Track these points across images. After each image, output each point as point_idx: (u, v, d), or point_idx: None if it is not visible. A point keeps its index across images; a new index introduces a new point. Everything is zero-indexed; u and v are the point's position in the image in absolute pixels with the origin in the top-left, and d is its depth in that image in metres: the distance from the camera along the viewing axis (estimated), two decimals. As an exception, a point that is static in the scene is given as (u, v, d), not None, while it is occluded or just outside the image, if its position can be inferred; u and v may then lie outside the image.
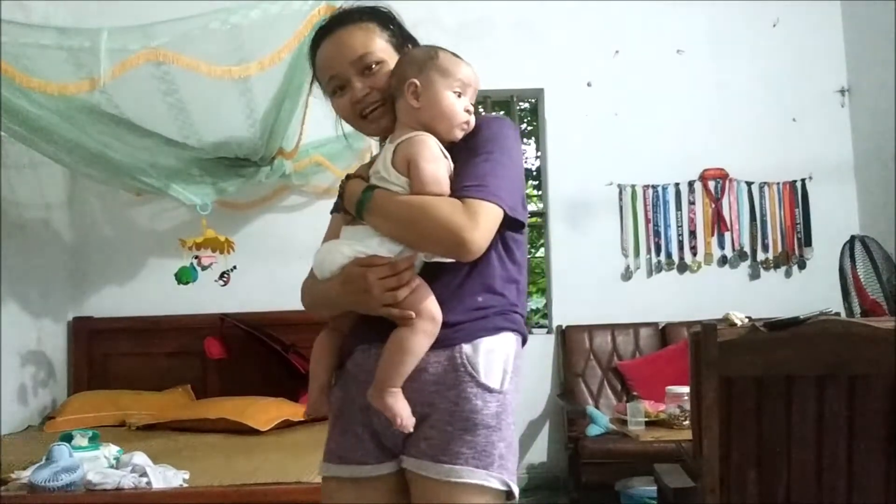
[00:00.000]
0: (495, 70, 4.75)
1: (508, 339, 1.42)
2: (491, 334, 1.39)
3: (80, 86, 2.81)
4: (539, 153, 5.40)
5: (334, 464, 1.46)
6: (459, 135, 1.44)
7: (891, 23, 4.30)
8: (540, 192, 5.77)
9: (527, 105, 6.22)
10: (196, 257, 3.80)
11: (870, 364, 1.76)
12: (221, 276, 3.90)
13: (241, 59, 2.94)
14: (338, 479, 1.46)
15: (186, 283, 3.83)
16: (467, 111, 1.44)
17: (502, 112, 7.18)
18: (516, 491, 1.38)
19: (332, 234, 1.52)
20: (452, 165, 1.41)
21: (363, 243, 1.39)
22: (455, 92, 1.43)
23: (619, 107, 4.76)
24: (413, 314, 1.34)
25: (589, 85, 4.79)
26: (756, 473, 1.85)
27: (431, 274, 1.39)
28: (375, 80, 1.47)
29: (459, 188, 1.36)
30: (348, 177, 1.49)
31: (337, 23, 1.50)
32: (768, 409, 1.84)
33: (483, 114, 1.51)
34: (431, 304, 1.35)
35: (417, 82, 1.42)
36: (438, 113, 1.42)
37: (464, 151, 1.42)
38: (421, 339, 1.34)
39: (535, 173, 7.30)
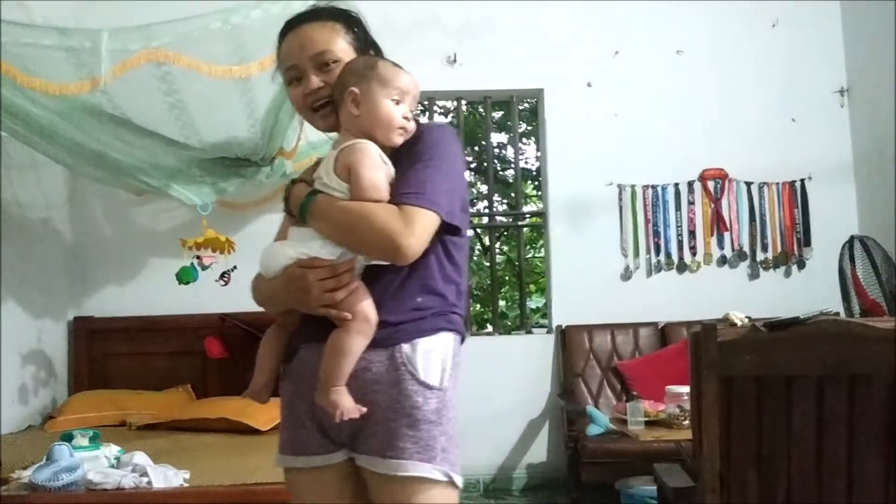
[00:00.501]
0: (496, 70, 4.77)
1: (447, 339, 1.49)
2: (429, 334, 1.46)
3: (80, 86, 2.82)
4: (539, 153, 5.40)
5: (289, 455, 1.54)
6: (398, 140, 1.50)
7: (890, 23, 4.30)
8: (540, 192, 5.78)
9: (527, 105, 6.23)
10: (197, 257, 3.80)
11: (869, 364, 1.77)
12: (222, 275, 3.90)
13: (241, 59, 2.95)
14: (293, 469, 1.54)
15: (187, 282, 3.83)
16: (405, 117, 1.49)
17: (501, 112, 7.21)
18: (459, 482, 1.46)
19: (283, 232, 1.60)
20: (393, 172, 1.47)
21: (306, 245, 1.46)
22: (393, 100, 1.49)
23: (618, 107, 4.76)
24: (349, 315, 1.41)
25: (589, 85, 4.79)
26: (756, 473, 1.86)
27: (373, 275, 1.47)
28: (330, 76, 1.54)
29: (398, 195, 1.42)
30: (293, 181, 1.56)
31: (306, 17, 1.58)
32: (768, 409, 1.84)
33: (426, 121, 1.57)
34: (366, 306, 1.43)
35: (357, 91, 1.49)
36: (377, 120, 1.48)
37: (405, 158, 1.48)
38: (356, 339, 1.42)
39: (534, 173, 7.32)
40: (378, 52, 1.63)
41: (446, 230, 1.47)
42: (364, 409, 1.41)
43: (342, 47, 1.55)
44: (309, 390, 1.45)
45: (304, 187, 1.50)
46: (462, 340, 1.55)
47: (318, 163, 1.56)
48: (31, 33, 2.82)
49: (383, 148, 1.48)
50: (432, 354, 1.45)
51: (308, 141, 3.97)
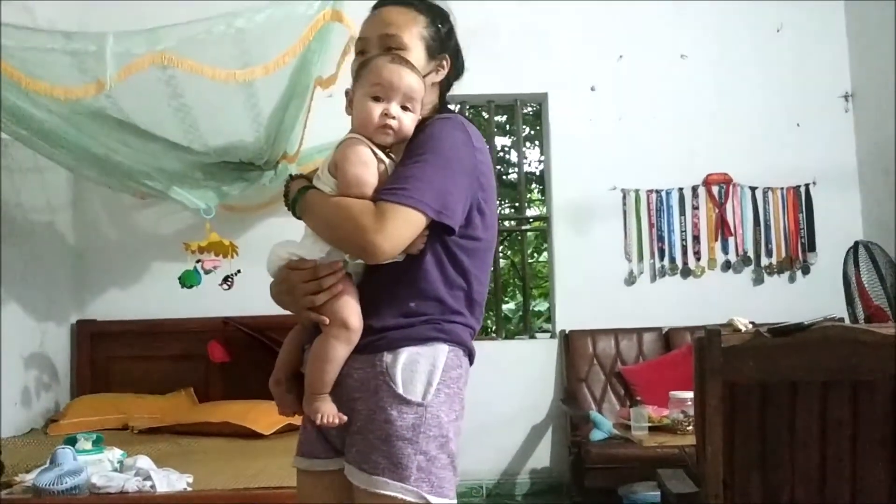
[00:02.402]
0: (500, 74, 4.76)
1: (439, 350, 1.40)
2: (415, 344, 1.39)
3: (85, 89, 2.83)
4: (543, 158, 5.40)
5: (299, 456, 1.55)
6: (384, 139, 1.42)
7: (894, 27, 4.30)
8: (544, 196, 5.78)
9: (531, 109, 6.23)
10: (199, 261, 3.80)
11: (873, 370, 1.76)
12: (225, 279, 3.89)
13: (245, 63, 2.96)
14: (301, 471, 1.54)
15: (190, 286, 3.83)
16: (386, 114, 1.40)
17: (505, 116, 7.21)
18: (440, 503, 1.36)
19: None
20: (389, 168, 1.41)
21: (300, 244, 1.43)
22: (373, 97, 1.42)
23: (623, 111, 4.76)
24: (326, 319, 1.37)
25: (593, 89, 4.79)
26: (760, 479, 1.85)
27: (369, 276, 1.43)
28: None
29: (381, 191, 1.35)
30: (291, 177, 1.53)
31: (396, 0, 1.54)
32: (772, 415, 1.84)
33: (438, 115, 1.48)
34: (346, 312, 1.37)
35: (351, 92, 1.47)
36: (357, 120, 1.43)
37: (405, 155, 1.42)
38: (333, 345, 1.37)
39: (538, 175, 7.32)
40: (456, 58, 1.59)
41: (444, 230, 1.38)
42: (345, 418, 1.38)
43: (413, 38, 1.49)
44: None
45: (300, 182, 1.47)
46: (467, 353, 1.46)
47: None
48: (35, 37, 2.84)
49: (395, 145, 1.44)
50: (416, 366, 1.37)
51: (312, 146, 3.97)
